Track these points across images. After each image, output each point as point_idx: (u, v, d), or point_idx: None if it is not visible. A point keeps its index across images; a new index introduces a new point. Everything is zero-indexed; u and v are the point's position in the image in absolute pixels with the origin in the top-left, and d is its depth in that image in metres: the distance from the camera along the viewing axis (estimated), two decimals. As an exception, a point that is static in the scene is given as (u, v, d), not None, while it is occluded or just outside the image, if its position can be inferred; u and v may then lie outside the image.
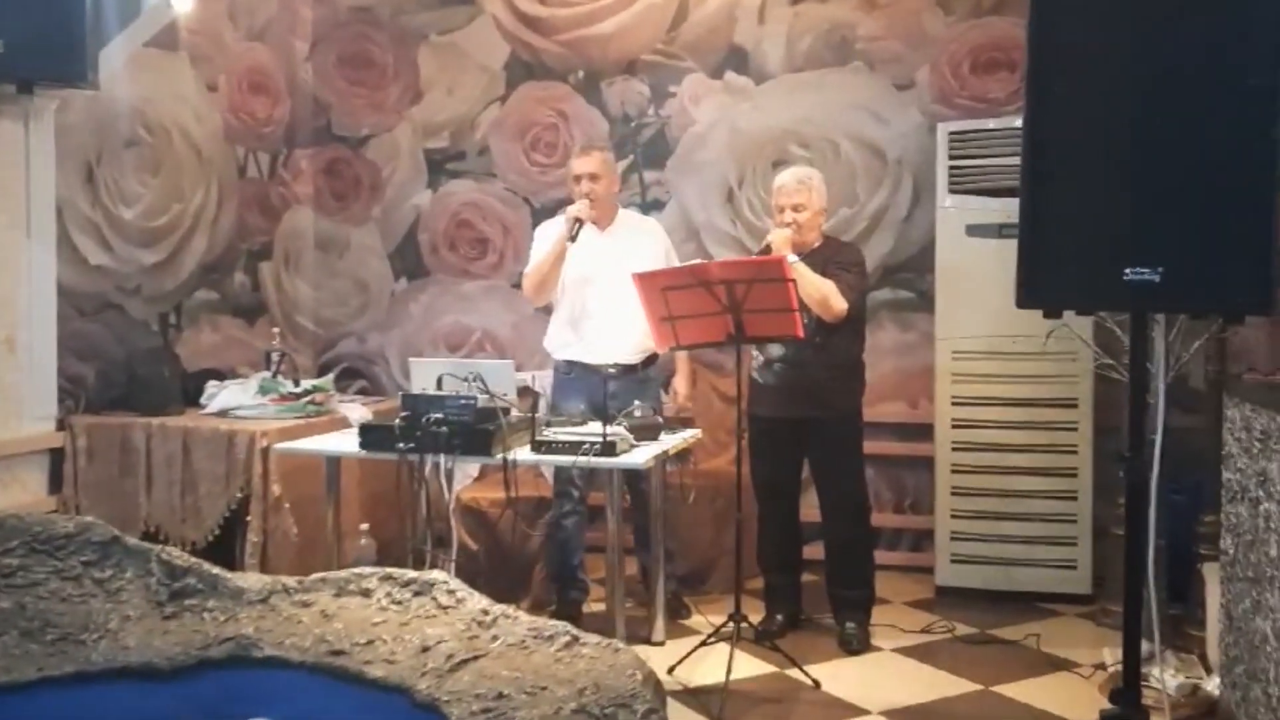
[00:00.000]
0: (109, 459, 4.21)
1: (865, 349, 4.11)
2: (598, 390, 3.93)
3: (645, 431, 3.71)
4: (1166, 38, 2.23)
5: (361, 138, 5.75)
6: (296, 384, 4.45)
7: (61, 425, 4.22)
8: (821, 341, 3.89)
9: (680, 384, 4.43)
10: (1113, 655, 3.61)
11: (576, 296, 4.15)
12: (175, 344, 4.88)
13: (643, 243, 4.20)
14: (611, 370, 4.07)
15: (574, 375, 4.17)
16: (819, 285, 3.79)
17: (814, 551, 4.28)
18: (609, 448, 3.44)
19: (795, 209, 3.95)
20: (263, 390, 4.37)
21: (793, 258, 3.78)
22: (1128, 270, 2.21)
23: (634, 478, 4.05)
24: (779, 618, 4.10)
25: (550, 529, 4.25)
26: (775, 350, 3.98)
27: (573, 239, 3.96)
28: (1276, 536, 2.60)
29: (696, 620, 4.20)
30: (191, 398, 4.47)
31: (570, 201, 4.16)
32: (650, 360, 4.22)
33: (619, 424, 3.63)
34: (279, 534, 4.05)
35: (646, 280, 3.66)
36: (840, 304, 3.81)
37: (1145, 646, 2.71)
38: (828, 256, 3.95)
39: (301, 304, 5.73)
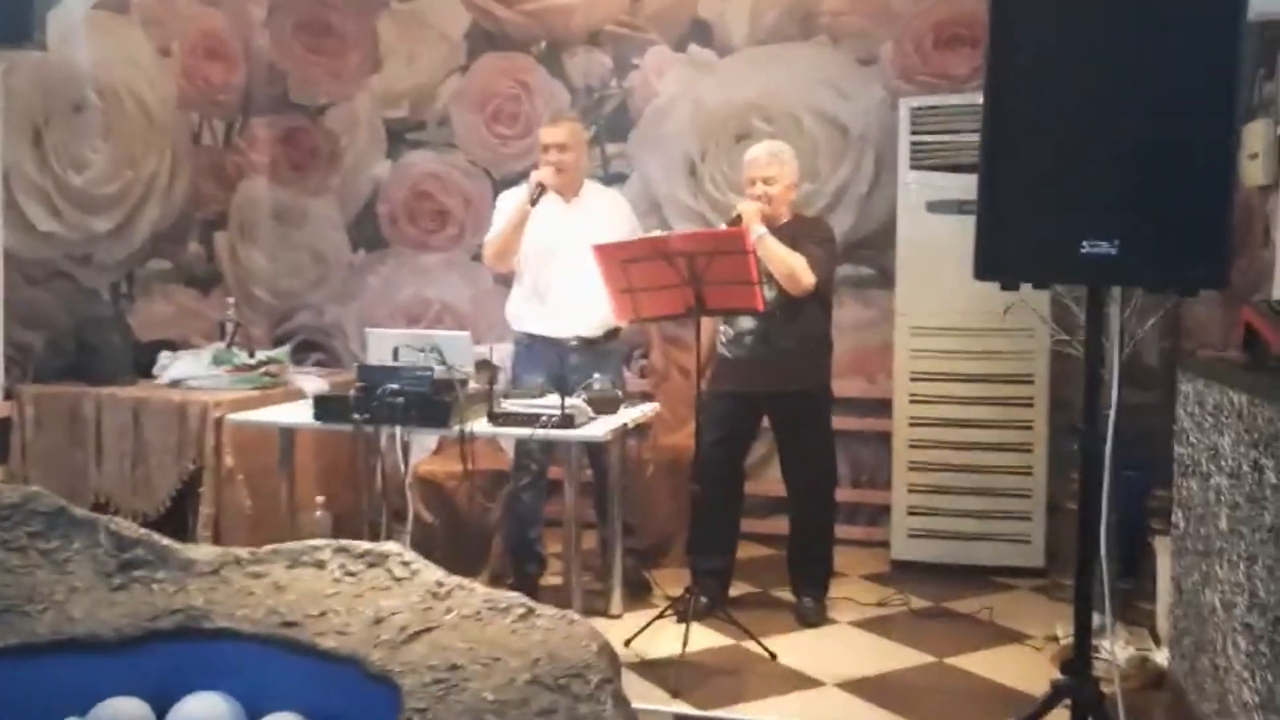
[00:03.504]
0: (58, 429, 4.14)
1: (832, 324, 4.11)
2: (558, 363, 3.91)
3: (604, 404, 3.70)
4: (1126, 13, 2.23)
5: (319, 106, 5.66)
6: (251, 355, 4.39)
7: (9, 394, 4.14)
8: (792, 314, 3.88)
9: (656, 358, 4.47)
10: (1064, 628, 3.66)
11: (539, 268, 4.11)
12: (127, 314, 4.80)
13: (607, 215, 4.16)
14: (573, 343, 4.06)
15: (534, 348, 4.14)
16: (787, 259, 3.78)
17: (775, 526, 4.29)
18: (567, 420, 3.43)
19: (766, 182, 3.92)
20: (217, 361, 4.31)
21: (761, 230, 3.77)
22: (1085, 243, 2.22)
23: (595, 451, 4.03)
24: (704, 600, 3.84)
25: (508, 501, 4.23)
26: (745, 323, 3.95)
27: (533, 203, 3.93)
28: (1227, 510, 2.64)
29: (657, 595, 4.21)
30: (143, 368, 4.40)
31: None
32: (612, 334, 4.20)
33: (578, 397, 3.61)
34: (232, 507, 4.00)
35: (607, 252, 3.64)
36: (808, 278, 3.80)
37: (1096, 619, 2.75)
38: (797, 231, 3.93)
39: (257, 275, 5.65)
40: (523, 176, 5.21)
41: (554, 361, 4.04)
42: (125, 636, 2.11)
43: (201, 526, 3.97)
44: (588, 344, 4.11)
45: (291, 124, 5.68)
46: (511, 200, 4.12)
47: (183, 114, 5.14)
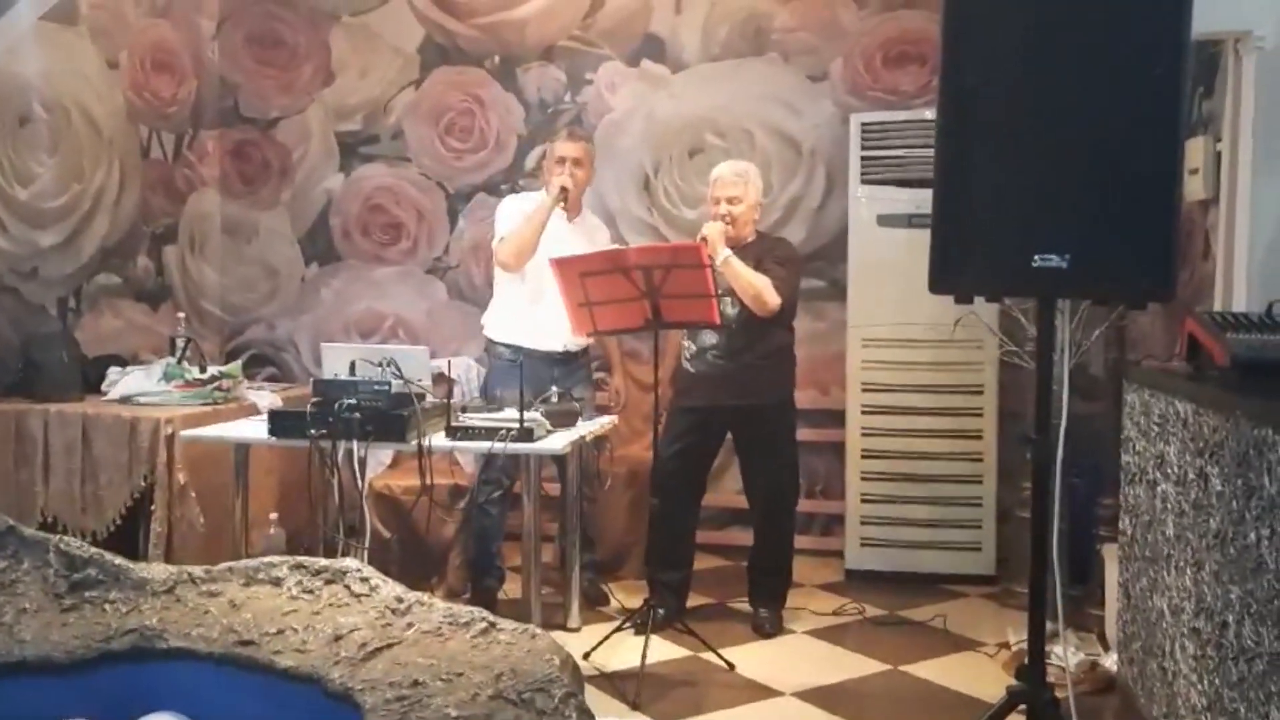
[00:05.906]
0: (4, 447, 4.04)
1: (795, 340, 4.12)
2: (543, 376, 3.93)
3: (561, 417, 3.70)
4: (1074, 31, 2.29)
5: (271, 119, 5.62)
6: (203, 370, 4.33)
7: (-48, 412, 4.05)
8: (754, 329, 3.90)
9: (618, 380, 4.54)
10: (1016, 634, 3.72)
11: (537, 281, 4.10)
12: (75, 329, 4.72)
13: (602, 239, 4.26)
14: (558, 356, 4.09)
15: (520, 361, 4.13)
16: (752, 280, 3.80)
17: (731, 538, 4.31)
18: (526, 434, 3.42)
19: (730, 201, 3.93)
20: (167, 376, 4.24)
21: (726, 253, 3.79)
22: (1036, 257, 2.27)
23: (559, 464, 4.04)
24: (660, 612, 3.85)
25: (473, 515, 4.22)
26: (708, 339, 3.96)
27: (557, 204, 4.00)
28: (1173, 517, 2.70)
29: (614, 607, 4.21)
30: (92, 384, 4.32)
31: (526, 178, 4.13)
32: (584, 349, 4.27)
33: (535, 410, 3.61)
34: (184, 524, 3.93)
35: (565, 266, 3.65)
36: (774, 299, 3.82)
37: (1048, 626, 2.79)
38: (762, 251, 3.94)
39: (208, 289, 5.58)
40: (476, 189, 5.29)
41: (538, 374, 4.02)
42: (77, 658, 2.07)
43: (153, 545, 3.90)
44: (570, 357, 4.15)
45: (242, 137, 5.63)
46: (522, 204, 4.17)
47: (131, 127, 5.08)
